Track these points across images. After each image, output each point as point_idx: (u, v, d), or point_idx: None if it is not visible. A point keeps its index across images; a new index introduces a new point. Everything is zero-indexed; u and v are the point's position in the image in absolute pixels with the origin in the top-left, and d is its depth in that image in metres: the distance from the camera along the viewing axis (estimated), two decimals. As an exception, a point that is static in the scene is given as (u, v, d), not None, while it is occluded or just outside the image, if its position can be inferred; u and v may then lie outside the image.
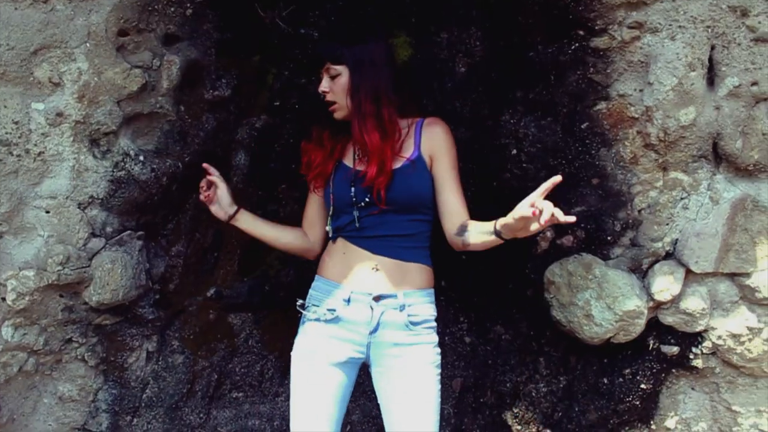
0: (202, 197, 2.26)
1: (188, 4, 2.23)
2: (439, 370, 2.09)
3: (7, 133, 2.08)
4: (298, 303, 2.17)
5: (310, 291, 2.18)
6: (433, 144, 2.13)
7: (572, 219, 1.77)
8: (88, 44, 2.11)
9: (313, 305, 2.13)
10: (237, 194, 2.48)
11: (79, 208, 2.18)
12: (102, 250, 2.23)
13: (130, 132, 2.25)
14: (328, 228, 2.21)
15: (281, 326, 2.66)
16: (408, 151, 2.12)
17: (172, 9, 2.22)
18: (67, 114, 2.12)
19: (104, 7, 2.11)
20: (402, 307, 2.06)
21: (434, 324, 2.13)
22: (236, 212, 2.27)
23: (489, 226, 1.98)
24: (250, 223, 2.29)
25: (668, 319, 2.25)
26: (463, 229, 2.08)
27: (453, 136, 2.17)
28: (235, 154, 2.53)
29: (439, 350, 2.10)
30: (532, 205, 1.76)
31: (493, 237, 1.97)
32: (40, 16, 2.05)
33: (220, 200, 2.26)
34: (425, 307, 2.11)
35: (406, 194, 2.09)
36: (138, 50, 2.20)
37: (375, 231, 2.11)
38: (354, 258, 2.12)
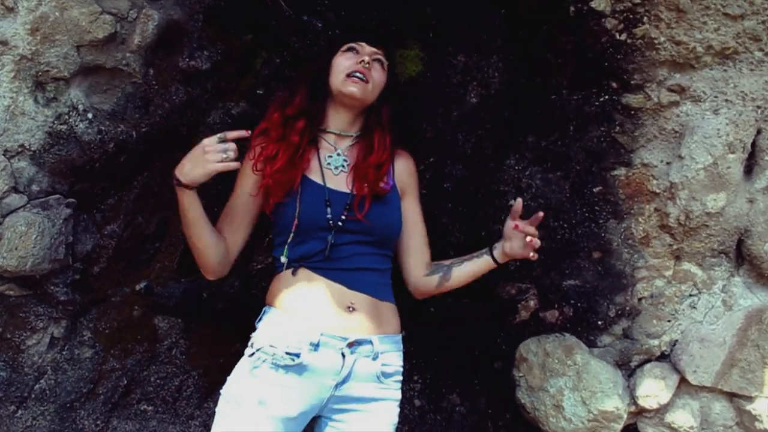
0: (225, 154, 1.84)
1: None
2: None
3: (-65, 52, 1.86)
4: (250, 346, 1.86)
5: (262, 324, 1.90)
6: (405, 178, 2.08)
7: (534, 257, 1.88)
8: None
9: (269, 345, 1.82)
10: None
11: (4, 155, 1.96)
12: (20, 209, 2.00)
13: (86, 84, 2.06)
14: (283, 257, 1.92)
15: (213, 341, 2.48)
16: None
17: None
18: (13, 45, 1.90)
19: None
20: (376, 356, 1.86)
21: (401, 377, 1.94)
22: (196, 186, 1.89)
23: (479, 252, 1.99)
24: (195, 201, 1.90)
25: (648, 430, 2.16)
26: (439, 267, 2.01)
27: None
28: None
29: (398, 410, 1.93)
30: (516, 228, 1.86)
31: (485, 258, 1.97)
32: None
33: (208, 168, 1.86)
34: (397, 356, 1.95)
35: (385, 223, 1.96)
36: None
37: (349, 262, 1.89)
38: (324, 293, 1.87)
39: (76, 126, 2.02)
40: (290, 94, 2.03)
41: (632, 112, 2.06)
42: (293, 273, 1.90)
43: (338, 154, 1.99)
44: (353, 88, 1.94)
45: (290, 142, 1.94)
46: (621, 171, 2.10)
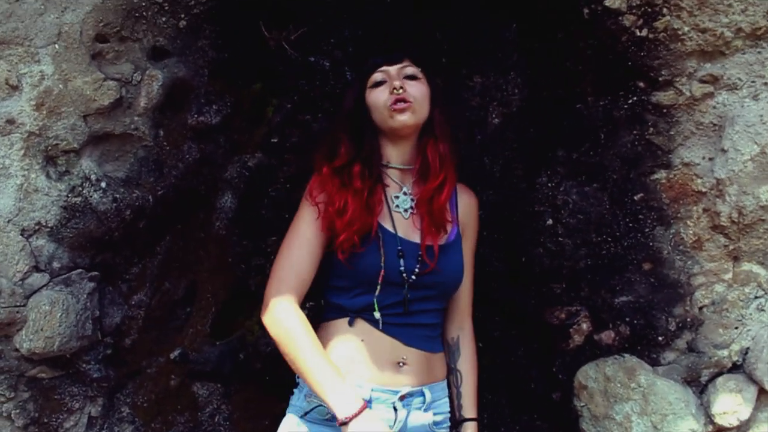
0: None
1: (182, 15, 2.06)
2: None
3: (-55, 136, 1.89)
4: (305, 399, 1.80)
5: None
6: (468, 219, 1.99)
7: None
8: (57, 45, 1.92)
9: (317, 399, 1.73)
10: (217, 242, 2.32)
11: (22, 235, 1.95)
12: (43, 288, 1.98)
13: (97, 153, 2.06)
14: (360, 305, 1.82)
15: (255, 403, 2.45)
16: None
17: (164, 19, 2.04)
18: (20, 122, 1.91)
19: (83, 6, 1.93)
20: (428, 407, 1.83)
21: (449, 422, 1.92)
22: None
23: (462, 407, 1.94)
24: None
25: None
26: (454, 352, 1.98)
27: None
28: (221, 194, 2.33)
29: None
30: None
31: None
32: (3, 5, 1.87)
33: None
34: (445, 403, 1.92)
35: (452, 272, 1.88)
36: (118, 60, 2.01)
37: (410, 318, 1.83)
38: (377, 347, 1.79)
39: (91, 197, 2.01)
40: (332, 148, 1.89)
41: (665, 111, 1.97)
42: (351, 324, 1.81)
43: (404, 193, 1.88)
44: (403, 117, 1.81)
45: (355, 189, 1.80)
46: (661, 174, 2.01)
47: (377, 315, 1.79)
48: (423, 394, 1.82)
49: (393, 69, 1.87)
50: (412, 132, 1.86)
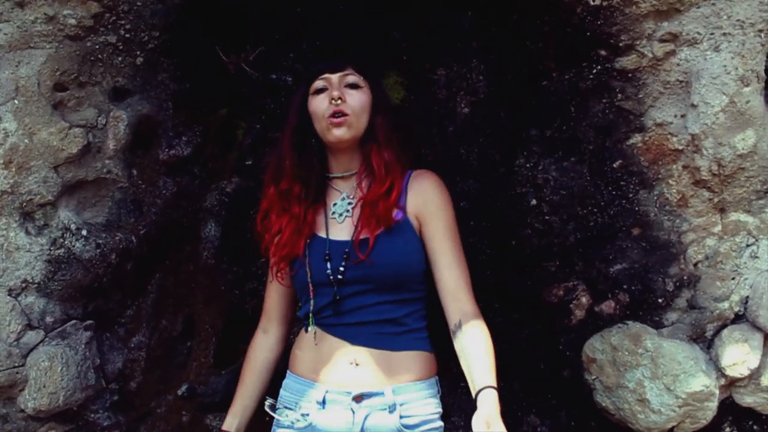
0: None
1: (138, 52, 2.06)
2: None
3: None
4: (266, 403, 1.89)
5: (282, 390, 1.91)
6: (422, 203, 1.88)
7: None
8: (16, 101, 1.92)
9: (285, 407, 1.86)
10: (208, 271, 2.34)
11: (9, 294, 1.95)
12: (39, 344, 1.98)
13: (74, 203, 2.06)
14: (301, 316, 1.93)
15: (269, 426, 2.27)
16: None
17: (120, 58, 2.04)
18: None
19: (36, 58, 1.92)
20: (392, 408, 1.77)
21: (438, 425, 1.82)
22: None
23: (474, 381, 1.73)
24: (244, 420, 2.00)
25: (747, 399, 2.05)
26: (457, 330, 1.81)
27: (448, 192, 1.91)
28: (204, 224, 2.36)
29: None
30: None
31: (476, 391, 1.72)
32: None
33: None
34: (423, 405, 1.82)
35: (389, 263, 1.81)
36: (80, 107, 2.01)
37: (352, 317, 1.83)
38: (329, 350, 1.83)
39: (74, 246, 2.01)
40: (279, 161, 1.93)
41: (630, 75, 1.96)
42: (306, 330, 1.89)
43: (342, 199, 1.90)
44: (338, 132, 1.83)
45: (292, 214, 1.88)
46: (636, 138, 2.00)
47: (307, 322, 1.88)
48: (383, 394, 1.79)
49: (335, 77, 1.87)
50: (351, 144, 1.87)
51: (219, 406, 2.38)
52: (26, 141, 1.92)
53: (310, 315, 1.87)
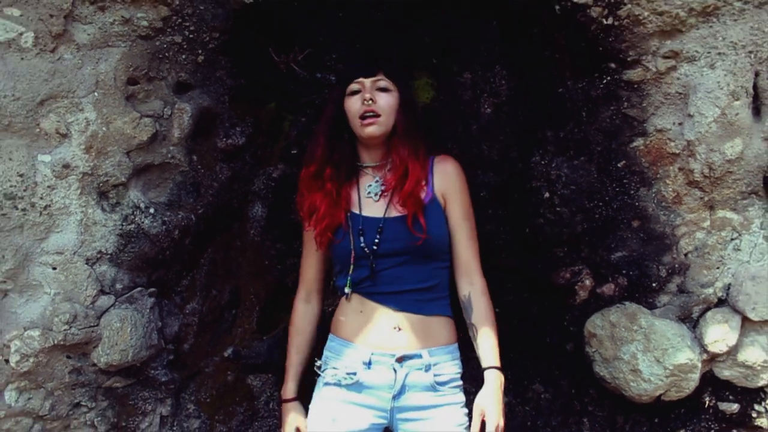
0: None
1: (200, 51, 2.20)
2: None
3: (11, 186, 2.02)
4: (315, 363, 2.06)
5: (325, 351, 2.07)
6: (446, 184, 2.06)
7: None
8: (96, 94, 2.07)
9: (332, 368, 2.01)
10: (254, 248, 2.44)
11: (87, 264, 2.11)
12: (111, 308, 2.14)
13: (141, 184, 2.21)
14: (341, 285, 2.07)
15: (304, 387, 2.44)
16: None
17: (184, 56, 2.19)
18: (74, 166, 2.06)
19: (113, 56, 2.08)
20: (428, 368, 1.95)
21: (460, 383, 2.01)
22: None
23: (481, 358, 1.99)
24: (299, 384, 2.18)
25: (725, 372, 2.13)
26: (467, 308, 2.03)
27: (465, 175, 2.10)
28: (252, 205, 2.46)
29: (466, 410, 1.98)
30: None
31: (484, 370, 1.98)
32: (47, 65, 2.01)
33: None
34: (451, 366, 2.01)
35: (425, 240, 1.97)
36: (148, 99, 2.16)
37: (393, 286, 1.99)
38: (373, 316, 2.00)
39: (143, 223, 2.14)
40: (313, 148, 2.09)
41: (636, 86, 2.06)
42: (348, 299, 2.04)
43: (376, 181, 2.06)
44: (369, 129, 2.00)
45: (326, 191, 2.03)
46: (639, 141, 2.10)
47: (347, 290, 2.03)
48: (421, 356, 1.95)
49: (368, 81, 2.03)
50: (380, 139, 2.04)
51: (260, 368, 2.51)
52: (104, 129, 2.07)
53: (350, 283, 2.01)
